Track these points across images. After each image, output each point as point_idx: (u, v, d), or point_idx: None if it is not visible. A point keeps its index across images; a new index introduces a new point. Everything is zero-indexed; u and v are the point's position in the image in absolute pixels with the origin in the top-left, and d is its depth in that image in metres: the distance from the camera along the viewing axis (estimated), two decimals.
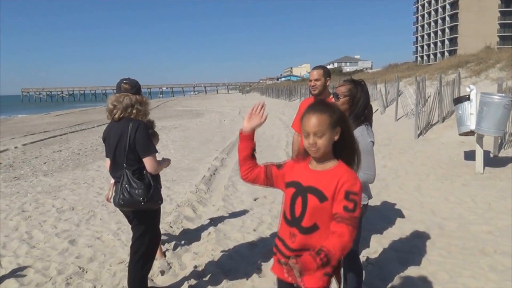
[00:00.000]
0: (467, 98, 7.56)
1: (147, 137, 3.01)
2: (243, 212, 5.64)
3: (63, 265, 4.07)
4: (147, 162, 2.99)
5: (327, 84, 3.87)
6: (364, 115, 2.80)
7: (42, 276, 3.84)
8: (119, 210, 4.10)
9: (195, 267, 3.93)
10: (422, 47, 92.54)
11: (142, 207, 2.98)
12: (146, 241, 3.12)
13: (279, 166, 2.06)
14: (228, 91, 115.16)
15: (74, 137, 16.59)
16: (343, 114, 1.89)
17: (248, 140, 2.10)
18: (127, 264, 3.90)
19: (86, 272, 3.94)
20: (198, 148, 11.90)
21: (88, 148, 13.19)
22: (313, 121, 1.81)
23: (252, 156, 2.10)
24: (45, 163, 10.62)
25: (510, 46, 36.84)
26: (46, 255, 4.36)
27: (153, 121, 3.86)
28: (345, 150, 1.90)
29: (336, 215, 1.78)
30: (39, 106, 74.03)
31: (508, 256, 3.88)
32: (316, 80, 3.82)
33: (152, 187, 2.99)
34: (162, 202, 3.16)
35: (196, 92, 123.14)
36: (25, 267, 4.04)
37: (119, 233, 4.86)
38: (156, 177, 3.17)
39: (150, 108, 3.23)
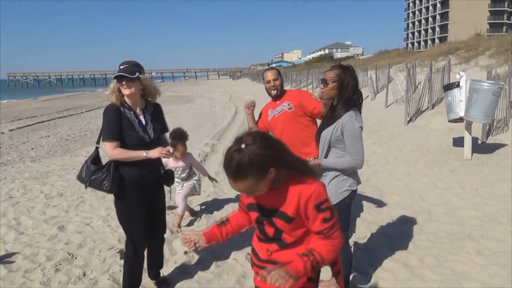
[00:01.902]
0: (456, 85, 7.60)
1: (104, 121, 2.91)
2: (234, 198, 5.65)
3: (52, 251, 4.04)
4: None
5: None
6: (353, 100, 2.78)
7: (31, 262, 3.81)
8: (108, 196, 4.06)
9: (185, 252, 3.93)
10: (413, 33, 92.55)
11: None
12: None
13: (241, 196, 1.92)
14: (218, 77, 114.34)
15: (62, 123, 16.37)
16: (269, 150, 1.59)
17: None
18: (117, 250, 3.89)
19: (76, 258, 3.92)
20: (189, 134, 11.81)
21: (76, 134, 13.04)
22: (238, 187, 1.65)
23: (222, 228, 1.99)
24: (32, 149, 10.47)
25: (500, 34, 37.05)
26: (35, 241, 4.32)
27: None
28: (291, 169, 1.70)
29: (319, 233, 1.70)
30: (26, 91, 72.73)
31: (494, 241, 3.95)
32: (274, 80, 3.80)
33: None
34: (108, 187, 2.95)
35: (186, 78, 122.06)
36: (13, 253, 4.01)
37: (108, 219, 4.83)
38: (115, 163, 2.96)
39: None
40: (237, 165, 1.55)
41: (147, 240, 3.15)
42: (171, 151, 2.88)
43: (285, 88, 3.93)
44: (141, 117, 2.99)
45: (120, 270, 3.45)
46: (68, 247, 4.14)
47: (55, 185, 6.63)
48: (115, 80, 2.86)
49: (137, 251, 3.07)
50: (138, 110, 2.98)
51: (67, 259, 3.88)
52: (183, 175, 4.80)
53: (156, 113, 3.10)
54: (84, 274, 3.58)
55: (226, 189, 6.12)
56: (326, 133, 2.80)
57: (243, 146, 1.55)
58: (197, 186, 4.94)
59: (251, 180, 1.58)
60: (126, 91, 2.85)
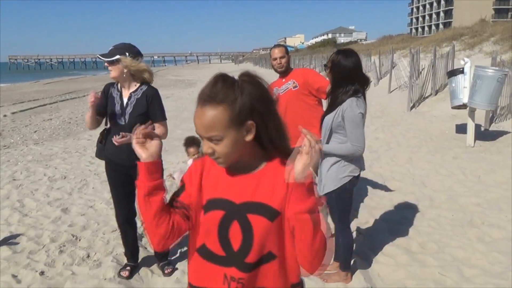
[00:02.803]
0: (460, 71, 7.54)
1: None
2: None
3: (56, 233, 4.08)
4: None
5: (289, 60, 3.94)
6: (353, 85, 2.74)
7: (35, 244, 3.85)
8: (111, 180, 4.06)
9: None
10: (417, 18, 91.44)
11: None
12: None
13: (179, 189, 1.33)
14: (221, 61, 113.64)
15: (65, 106, 16.35)
16: (259, 94, 1.20)
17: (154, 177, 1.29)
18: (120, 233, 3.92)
19: (80, 240, 3.96)
20: (191, 119, 11.72)
21: (79, 117, 13.03)
22: (203, 119, 1.17)
23: (164, 206, 1.28)
24: (35, 131, 10.49)
25: (505, 19, 36.55)
26: (39, 223, 4.36)
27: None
28: (274, 143, 1.25)
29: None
30: (27, 74, 72.47)
31: (495, 228, 3.97)
32: (281, 57, 3.83)
33: None
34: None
35: (188, 62, 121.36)
36: (17, 235, 4.05)
37: (111, 202, 4.84)
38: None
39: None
40: (220, 88, 1.16)
41: (130, 216, 3.28)
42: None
43: None
44: (125, 99, 3.00)
45: (123, 252, 3.48)
46: (72, 229, 4.18)
47: (58, 167, 6.66)
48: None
49: (120, 220, 3.30)
50: (126, 92, 3.01)
51: (71, 241, 3.92)
52: None
53: (143, 99, 2.98)
54: (88, 256, 3.62)
55: None
56: (328, 119, 2.80)
57: (236, 77, 1.22)
58: None
59: (223, 114, 1.15)
60: (110, 74, 2.96)
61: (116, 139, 2.81)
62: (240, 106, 1.16)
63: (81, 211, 4.70)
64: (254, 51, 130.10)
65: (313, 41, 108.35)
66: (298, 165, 1.13)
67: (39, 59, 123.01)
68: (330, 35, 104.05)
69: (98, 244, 3.85)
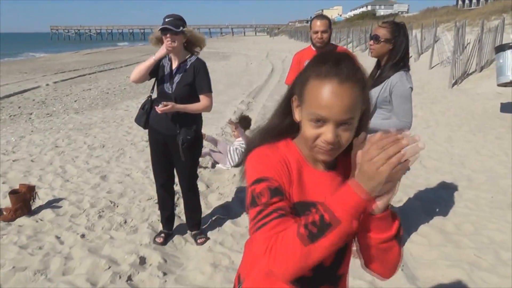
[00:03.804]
0: (510, 46, 7.10)
1: None
2: None
3: (95, 198, 4.26)
4: None
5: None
6: (403, 60, 2.67)
7: (76, 208, 4.04)
8: (147, 149, 4.21)
9: (221, 206, 4.04)
10: None
11: None
12: None
13: (278, 194, 1.02)
14: (255, 34, 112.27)
15: (103, 76, 16.77)
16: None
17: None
18: (156, 201, 4.06)
19: (117, 206, 4.12)
20: (225, 91, 11.83)
21: (116, 88, 13.35)
22: (346, 99, 0.97)
23: None
24: (75, 101, 10.86)
25: None
26: (80, 189, 4.57)
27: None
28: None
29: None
30: (68, 44, 74.53)
31: None
32: (323, 32, 3.46)
33: None
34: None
35: (223, 34, 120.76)
36: (60, 199, 4.26)
37: (147, 171, 5.01)
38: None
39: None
40: (352, 65, 1.00)
41: (167, 183, 3.39)
42: (170, 46, 2.90)
43: None
44: (174, 69, 3.07)
45: (158, 220, 3.60)
46: (110, 195, 4.35)
47: (97, 136, 6.90)
48: (159, 31, 2.94)
49: (157, 186, 3.41)
50: (175, 62, 3.08)
51: (109, 207, 4.08)
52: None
53: (191, 69, 3.05)
54: (125, 222, 3.78)
55: None
56: (373, 93, 2.70)
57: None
58: (233, 155, 5.19)
59: (359, 94, 1.00)
60: (170, 43, 2.93)
61: (159, 108, 2.92)
62: (365, 87, 1.02)
63: (119, 179, 4.88)
64: (290, 24, 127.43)
65: (351, 13, 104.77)
66: (384, 198, 0.94)
67: (78, 30, 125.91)
68: (369, 7, 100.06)
69: (134, 211, 3.99)
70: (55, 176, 4.94)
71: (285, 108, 1.14)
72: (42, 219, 3.81)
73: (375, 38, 2.69)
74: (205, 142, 4.73)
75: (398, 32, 2.64)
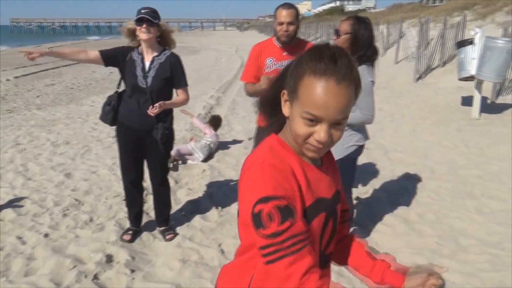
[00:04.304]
0: (470, 42, 7.36)
1: None
2: (238, 151, 5.68)
3: (59, 197, 4.14)
4: None
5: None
6: (366, 55, 2.70)
7: (39, 207, 3.91)
8: (113, 146, 4.12)
9: (190, 202, 4.01)
10: None
11: None
12: None
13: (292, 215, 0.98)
14: (225, 28, 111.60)
15: (67, 71, 16.23)
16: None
17: None
18: (123, 198, 3.98)
19: (83, 204, 4.02)
20: (194, 86, 11.69)
21: (81, 82, 12.96)
22: (342, 99, 0.96)
23: None
24: (38, 96, 10.46)
25: None
26: (43, 187, 4.42)
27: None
28: None
29: (345, 214, 1.28)
30: (30, 37, 71.60)
31: (494, 200, 3.99)
32: (289, 24, 2.97)
33: None
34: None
35: (192, 28, 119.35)
36: (21, 198, 4.11)
37: (114, 168, 4.90)
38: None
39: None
40: (348, 63, 0.98)
41: (137, 180, 3.33)
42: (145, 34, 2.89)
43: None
44: (147, 63, 2.99)
45: (126, 217, 3.54)
46: (75, 193, 4.23)
47: (61, 133, 6.68)
48: (132, 22, 2.93)
49: (125, 183, 3.33)
50: (148, 56, 3.03)
51: (74, 205, 3.98)
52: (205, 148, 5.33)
53: (167, 64, 3.04)
54: (91, 220, 3.69)
55: (231, 142, 6.15)
56: None
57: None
58: (199, 151, 5.20)
59: (352, 93, 0.99)
60: (143, 35, 2.90)
61: (152, 110, 2.87)
62: (358, 85, 1.01)
63: (84, 176, 4.75)
64: (259, 18, 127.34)
65: (320, 8, 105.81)
66: None
67: (41, 23, 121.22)
68: (338, 3, 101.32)
69: (100, 208, 3.90)
70: (16, 175, 4.76)
71: (273, 100, 1.10)
72: (3, 219, 3.66)
73: (336, 32, 2.75)
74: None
75: (358, 26, 2.67)
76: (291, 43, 3.06)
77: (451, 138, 6.14)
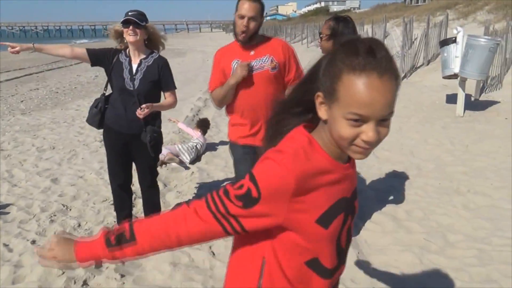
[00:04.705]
0: (453, 40, 7.48)
1: None
2: (226, 153, 5.66)
3: (46, 203, 4.08)
4: None
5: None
6: None
7: (26, 214, 3.85)
8: (101, 150, 4.07)
9: (179, 204, 4.00)
10: None
11: None
12: None
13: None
14: (211, 30, 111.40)
15: (51, 75, 16.02)
16: None
17: None
18: (111, 202, 3.95)
19: (70, 209, 3.97)
20: (181, 89, 11.58)
21: (66, 86, 12.80)
22: (389, 94, 0.92)
23: None
24: (22, 101, 10.30)
25: None
26: (29, 193, 4.35)
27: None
28: None
29: None
30: (12, 41, 70.21)
31: (480, 195, 4.06)
32: (251, 18, 2.53)
33: None
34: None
35: (178, 30, 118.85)
36: (7, 205, 4.04)
37: (101, 172, 4.85)
38: None
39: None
40: (389, 56, 0.94)
41: (126, 183, 3.30)
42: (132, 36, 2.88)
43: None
44: (135, 65, 2.98)
45: (115, 222, 3.51)
46: (62, 199, 4.18)
47: (47, 138, 6.59)
48: (120, 24, 2.91)
49: (114, 187, 3.30)
50: (135, 58, 3.01)
51: (62, 210, 3.92)
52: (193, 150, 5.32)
53: (154, 67, 3.02)
54: (79, 225, 3.64)
55: (219, 143, 6.14)
56: None
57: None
58: (185, 153, 5.19)
59: (397, 87, 0.95)
60: (130, 38, 2.89)
61: (140, 112, 2.85)
62: (398, 77, 0.95)
63: (71, 181, 4.69)
64: None
65: (305, 9, 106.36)
66: None
67: (24, 27, 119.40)
68: (323, 3, 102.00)
69: (88, 213, 3.86)
70: (1, 181, 4.67)
71: (305, 104, 1.05)
72: None
73: (320, 35, 2.80)
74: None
75: (338, 25, 2.71)
76: (254, 42, 2.66)
77: (437, 136, 6.23)
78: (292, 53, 2.75)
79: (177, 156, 5.20)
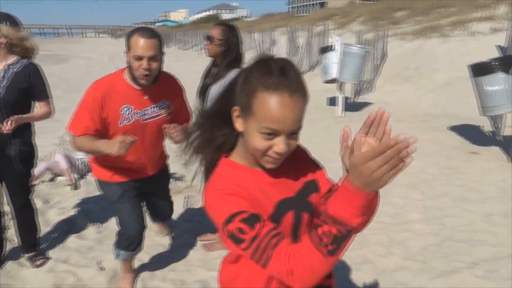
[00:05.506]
0: (331, 48, 8.19)
1: None
2: None
3: None
4: None
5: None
6: (236, 59, 2.83)
7: None
8: None
9: (62, 222, 3.67)
10: None
11: None
12: None
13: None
14: (97, 35, 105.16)
15: None
16: None
17: None
18: None
19: None
20: (63, 97, 10.73)
21: None
22: (297, 111, 1.02)
23: None
24: None
25: (370, 2, 40.48)
26: None
27: None
28: None
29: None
30: None
31: None
32: (151, 59, 2.18)
33: None
34: None
35: (58, 35, 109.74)
36: None
37: None
38: None
39: None
40: (298, 75, 1.03)
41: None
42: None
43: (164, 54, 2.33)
44: (1, 72, 2.67)
45: None
46: None
47: None
48: None
49: None
50: (0, 64, 2.71)
51: None
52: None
53: (23, 74, 2.72)
54: None
55: None
56: (214, 90, 2.77)
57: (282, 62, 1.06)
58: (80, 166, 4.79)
59: (305, 103, 1.05)
60: None
61: (6, 127, 2.51)
62: (306, 94, 1.05)
63: None
64: (133, 25, 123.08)
65: (197, 16, 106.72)
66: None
67: None
68: (214, 11, 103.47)
69: None
70: None
71: (223, 117, 1.11)
72: None
73: (210, 38, 2.81)
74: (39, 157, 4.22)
75: (230, 33, 2.80)
76: (154, 84, 2.32)
77: (321, 135, 6.73)
78: (184, 92, 2.63)
79: (61, 175, 4.71)
